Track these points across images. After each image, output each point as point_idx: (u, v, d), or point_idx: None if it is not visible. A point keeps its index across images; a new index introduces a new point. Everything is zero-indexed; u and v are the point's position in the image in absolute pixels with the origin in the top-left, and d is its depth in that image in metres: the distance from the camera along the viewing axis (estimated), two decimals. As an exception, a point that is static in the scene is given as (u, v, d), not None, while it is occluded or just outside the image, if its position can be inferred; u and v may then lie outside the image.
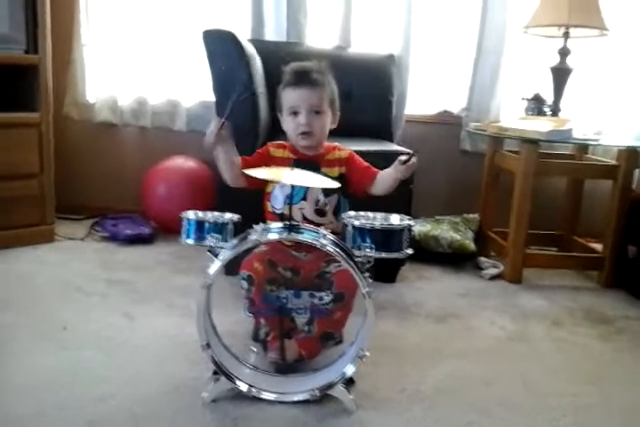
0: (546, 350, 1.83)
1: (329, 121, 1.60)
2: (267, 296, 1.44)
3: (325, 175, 1.53)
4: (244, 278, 1.46)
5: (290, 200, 1.43)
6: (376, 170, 1.61)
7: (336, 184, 1.37)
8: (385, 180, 1.57)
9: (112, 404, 1.37)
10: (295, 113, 1.56)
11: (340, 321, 1.51)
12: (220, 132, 1.47)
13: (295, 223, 1.35)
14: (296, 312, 1.45)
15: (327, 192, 1.58)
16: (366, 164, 1.64)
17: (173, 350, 1.66)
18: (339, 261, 1.37)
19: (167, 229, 2.75)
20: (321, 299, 1.44)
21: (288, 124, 1.59)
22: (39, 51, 2.48)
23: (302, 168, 1.38)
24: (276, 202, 1.60)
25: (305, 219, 1.58)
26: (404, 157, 1.49)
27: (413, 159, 1.48)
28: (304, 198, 1.58)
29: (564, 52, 2.67)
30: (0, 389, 1.42)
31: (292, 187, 1.40)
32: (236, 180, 1.58)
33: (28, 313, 1.86)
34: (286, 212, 1.54)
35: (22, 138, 2.49)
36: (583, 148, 2.78)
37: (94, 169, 3.14)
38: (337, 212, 1.61)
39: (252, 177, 1.48)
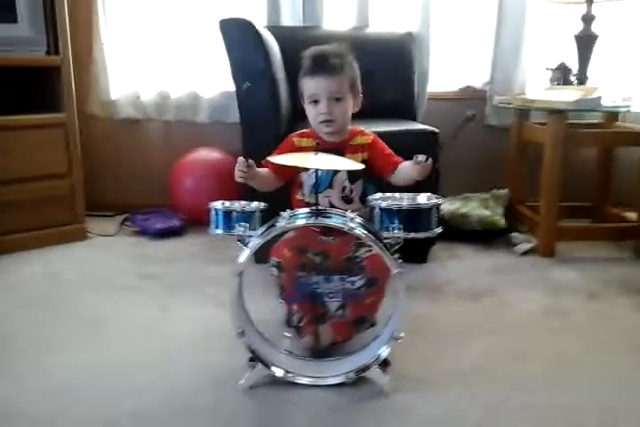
0: (581, 323, 1.81)
1: (350, 106, 1.58)
2: (297, 282, 1.45)
3: None
4: (274, 265, 1.47)
5: (316, 188, 1.42)
6: (398, 159, 1.59)
7: (361, 166, 1.37)
8: (404, 172, 1.55)
9: (150, 396, 1.39)
10: (315, 101, 1.54)
11: (374, 305, 1.50)
12: (246, 170, 1.48)
13: (322, 208, 1.36)
14: (327, 297, 1.45)
15: (353, 178, 1.58)
16: (389, 150, 1.62)
17: (209, 340, 1.68)
18: (368, 245, 1.36)
19: (196, 221, 2.77)
20: (353, 283, 1.44)
21: (309, 111, 1.58)
22: (60, 52, 2.51)
23: None
24: (304, 190, 1.60)
25: (332, 206, 1.57)
26: (420, 157, 1.47)
27: (428, 160, 1.47)
28: (330, 186, 1.58)
29: (587, 19, 2.60)
30: (37, 385, 1.45)
31: (317, 174, 1.40)
32: (271, 188, 1.61)
33: (65, 310, 1.90)
34: (312, 200, 1.54)
35: (49, 138, 2.53)
36: (613, 115, 2.72)
37: (121, 165, 3.18)
38: (363, 198, 1.60)
39: (280, 174, 1.53)
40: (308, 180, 1.58)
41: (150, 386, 1.44)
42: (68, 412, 1.33)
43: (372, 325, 1.53)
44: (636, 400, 1.38)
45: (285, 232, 1.45)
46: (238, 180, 1.50)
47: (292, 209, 1.42)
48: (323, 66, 1.52)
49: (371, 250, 1.42)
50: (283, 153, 1.57)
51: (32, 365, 1.55)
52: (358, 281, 1.44)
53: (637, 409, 1.35)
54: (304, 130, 1.65)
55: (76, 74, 2.59)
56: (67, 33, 2.52)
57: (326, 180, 1.57)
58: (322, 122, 1.55)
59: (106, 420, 1.30)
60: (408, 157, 1.52)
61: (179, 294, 2.02)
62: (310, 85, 1.54)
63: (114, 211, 3.08)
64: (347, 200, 1.59)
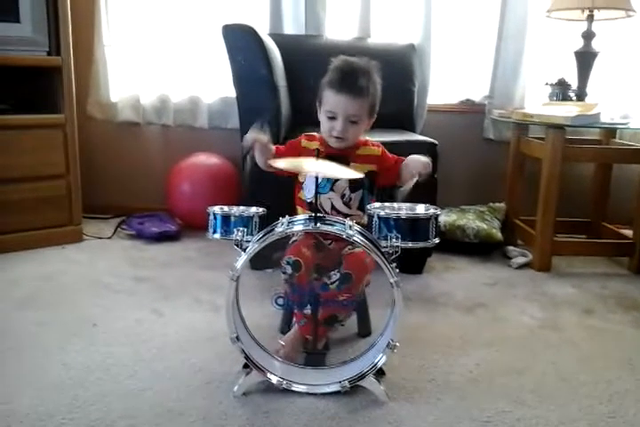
0: (577, 338, 1.80)
1: (364, 128, 1.59)
2: (310, 284, 1.41)
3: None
4: (289, 264, 1.44)
5: (317, 190, 1.40)
6: (401, 161, 1.61)
7: (359, 175, 1.36)
8: (407, 170, 1.57)
9: (143, 399, 1.38)
10: (332, 117, 1.55)
11: (346, 306, 1.44)
12: (259, 138, 1.50)
13: (320, 215, 1.35)
14: (325, 304, 1.43)
15: (353, 188, 1.59)
16: (393, 158, 1.64)
17: (202, 344, 1.67)
18: (351, 243, 1.34)
19: (192, 226, 2.77)
20: (329, 278, 1.43)
21: (323, 123, 1.58)
22: (61, 52, 2.50)
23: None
24: (308, 191, 1.60)
25: (334, 208, 1.58)
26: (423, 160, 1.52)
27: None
28: (331, 189, 1.58)
29: (588, 36, 2.62)
30: (33, 385, 1.43)
31: (317, 178, 1.39)
32: (268, 166, 1.58)
33: (59, 311, 1.88)
34: (314, 200, 1.53)
35: (48, 139, 2.52)
36: (610, 132, 2.73)
37: (118, 168, 3.17)
38: (362, 207, 1.60)
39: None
40: (308, 180, 1.58)
41: (143, 388, 1.43)
42: (61, 413, 1.31)
43: (367, 334, 1.51)
44: (629, 415, 1.38)
45: (286, 239, 1.43)
46: (246, 145, 1.51)
47: (293, 208, 1.40)
48: (350, 86, 1.51)
49: (353, 248, 1.40)
50: (288, 149, 1.61)
51: (25, 365, 1.53)
52: (334, 275, 1.44)
53: (630, 424, 1.35)
54: (313, 133, 1.66)
55: (76, 75, 2.58)
56: (68, 34, 2.51)
57: (327, 183, 1.58)
58: (333, 137, 1.55)
59: (97, 421, 1.29)
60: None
61: (173, 299, 2.01)
62: (331, 101, 1.54)
63: (110, 213, 3.07)
64: (347, 205, 1.60)
